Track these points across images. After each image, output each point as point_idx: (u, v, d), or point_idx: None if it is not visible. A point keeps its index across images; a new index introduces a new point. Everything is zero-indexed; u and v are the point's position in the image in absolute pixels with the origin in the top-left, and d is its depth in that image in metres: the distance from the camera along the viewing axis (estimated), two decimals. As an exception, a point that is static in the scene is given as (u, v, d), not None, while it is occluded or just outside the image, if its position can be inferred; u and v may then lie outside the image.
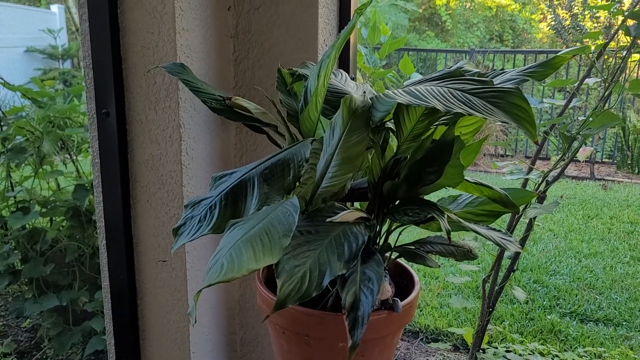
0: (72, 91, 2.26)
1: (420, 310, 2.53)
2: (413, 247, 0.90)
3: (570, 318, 2.49)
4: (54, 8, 8.95)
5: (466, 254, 0.89)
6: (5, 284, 2.01)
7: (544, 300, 2.65)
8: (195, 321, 0.64)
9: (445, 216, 0.77)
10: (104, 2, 1.05)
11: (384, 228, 0.91)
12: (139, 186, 1.16)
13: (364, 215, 0.78)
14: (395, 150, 0.86)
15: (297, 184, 0.82)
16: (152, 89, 1.09)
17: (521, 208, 1.55)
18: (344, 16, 1.25)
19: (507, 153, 6.20)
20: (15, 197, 2.07)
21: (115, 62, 1.09)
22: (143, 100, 1.11)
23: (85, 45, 1.11)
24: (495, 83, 0.74)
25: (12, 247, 2.04)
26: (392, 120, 0.83)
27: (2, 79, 2.25)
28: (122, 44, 1.09)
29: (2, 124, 2.18)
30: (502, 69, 0.85)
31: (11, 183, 2.11)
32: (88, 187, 1.94)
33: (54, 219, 2.05)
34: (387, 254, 0.94)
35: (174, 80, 1.07)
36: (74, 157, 2.13)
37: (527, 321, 2.45)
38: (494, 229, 0.89)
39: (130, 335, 1.22)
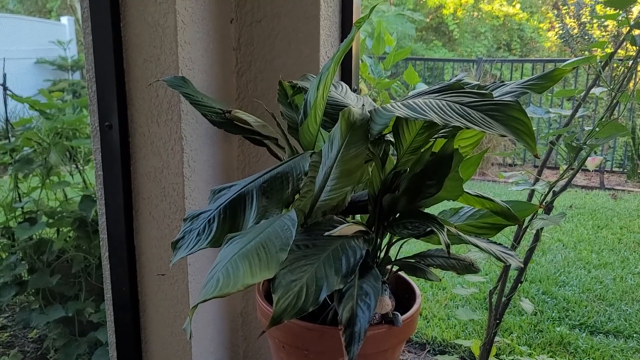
0: (79, 102, 2.28)
1: (428, 322, 2.51)
2: (413, 261, 0.90)
3: (579, 330, 2.45)
4: (64, 20, 9.06)
5: (468, 268, 0.88)
6: (12, 294, 2.02)
7: (553, 312, 2.62)
8: (191, 336, 0.63)
9: (445, 229, 0.76)
10: (107, 16, 1.06)
11: (385, 241, 0.90)
12: (141, 198, 1.16)
13: (362, 228, 0.78)
14: (395, 163, 0.85)
15: (297, 197, 0.82)
16: (155, 102, 1.10)
17: (527, 219, 1.53)
18: (345, 28, 1.25)
19: (515, 162, 6.17)
20: (22, 207, 2.08)
21: (118, 75, 1.10)
22: (145, 112, 1.12)
23: (88, 58, 1.12)
24: (494, 96, 0.74)
25: (19, 257, 2.05)
26: (392, 133, 0.83)
27: (10, 90, 2.27)
28: (125, 57, 1.10)
29: (10, 135, 2.21)
30: (502, 81, 0.84)
31: (19, 194, 2.12)
32: (94, 198, 1.95)
33: (60, 229, 2.06)
34: (388, 267, 0.93)
35: (176, 93, 1.07)
36: (81, 168, 2.15)
37: (535, 333, 2.42)
38: (495, 243, 0.88)
39: (133, 348, 1.22)
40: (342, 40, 1.26)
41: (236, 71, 1.26)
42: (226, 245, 0.70)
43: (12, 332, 2.35)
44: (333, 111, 0.89)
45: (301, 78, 1.03)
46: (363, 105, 0.88)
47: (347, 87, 1.00)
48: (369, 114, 0.77)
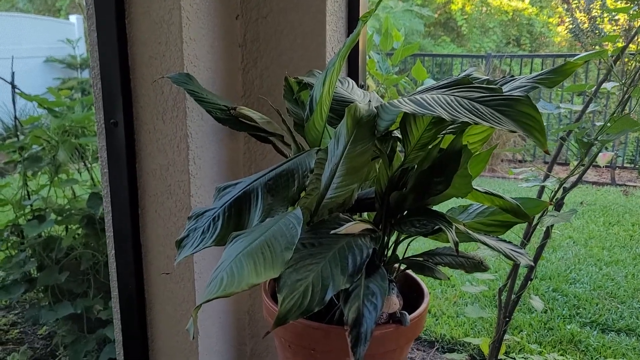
0: (87, 100, 2.29)
1: (436, 320, 2.49)
2: (421, 259, 0.88)
3: (590, 328, 2.43)
4: (73, 18, 9.10)
5: (477, 266, 0.86)
6: (21, 291, 2.03)
7: (564, 310, 2.59)
8: (193, 337, 0.62)
9: (454, 227, 0.75)
10: (112, 13, 1.05)
11: (392, 239, 0.89)
12: (147, 196, 1.16)
13: (369, 227, 0.76)
14: (402, 160, 0.84)
15: (302, 194, 0.81)
16: (160, 99, 1.09)
17: (536, 216, 1.51)
18: (352, 24, 1.23)
19: (525, 158, 6.11)
20: (31, 205, 2.09)
21: (123, 72, 1.09)
22: (151, 110, 1.11)
23: (93, 55, 1.11)
24: (504, 91, 0.72)
25: (28, 255, 2.06)
26: (399, 129, 0.82)
27: (19, 89, 2.28)
28: (130, 54, 1.09)
29: (19, 133, 2.21)
30: (512, 76, 0.83)
31: (27, 191, 2.13)
32: (102, 196, 1.95)
33: (69, 227, 2.07)
34: (396, 266, 0.92)
35: (181, 90, 1.07)
36: (89, 166, 2.15)
37: (546, 331, 2.40)
38: (504, 241, 0.86)
39: (139, 346, 1.22)
40: (348, 36, 1.25)
41: (242, 68, 1.25)
42: (231, 243, 0.69)
43: (21, 329, 2.36)
44: (339, 107, 0.87)
45: (307, 74, 1.02)
46: (369, 101, 0.87)
47: (354, 83, 0.99)
48: (375, 110, 0.76)
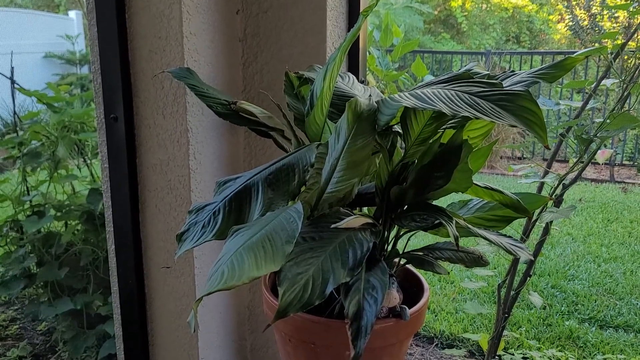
0: (86, 96, 2.28)
1: (435, 316, 2.50)
2: (421, 254, 0.88)
3: (589, 324, 2.43)
4: (72, 14, 9.08)
5: (476, 261, 0.87)
6: (21, 287, 2.03)
7: (562, 306, 2.60)
8: (194, 330, 0.63)
9: (454, 222, 0.75)
10: (112, 7, 1.05)
11: (392, 233, 0.89)
12: (147, 191, 1.16)
13: (369, 221, 0.77)
14: (402, 155, 0.84)
15: (303, 189, 0.81)
16: (160, 94, 1.09)
17: (536, 212, 1.52)
18: (352, 19, 1.23)
19: (524, 155, 6.12)
20: (30, 201, 2.08)
21: (123, 66, 1.09)
22: (151, 104, 1.11)
23: (93, 50, 1.11)
24: (504, 85, 0.72)
25: (27, 250, 2.06)
26: (400, 124, 0.82)
27: (18, 84, 2.27)
28: (130, 49, 1.09)
29: (18, 128, 2.21)
30: (512, 71, 0.83)
31: (27, 187, 2.13)
32: (102, 191, 1.95)
33: (68, 222, 2.07)
34: (396, 260, 0.92)
35: (182, 85, 1.06)
36: (89, 161, 2.15)
37: (544, 327, 2.40)
38: (505, 235, 0.87)
39: (139, 341, 1.22)
40: (349, 31, 1.24)
41: (242, 62, 1.25)
42: (231, 237, 0.69)
43: (21, 325, 2.36)
44: (340, 102, 0.87)
45: (308, 69, 1.02)
46: (370, 95, 0.87)
47: (354, 78, 0.99)
48: (376, 105, 0.76)
